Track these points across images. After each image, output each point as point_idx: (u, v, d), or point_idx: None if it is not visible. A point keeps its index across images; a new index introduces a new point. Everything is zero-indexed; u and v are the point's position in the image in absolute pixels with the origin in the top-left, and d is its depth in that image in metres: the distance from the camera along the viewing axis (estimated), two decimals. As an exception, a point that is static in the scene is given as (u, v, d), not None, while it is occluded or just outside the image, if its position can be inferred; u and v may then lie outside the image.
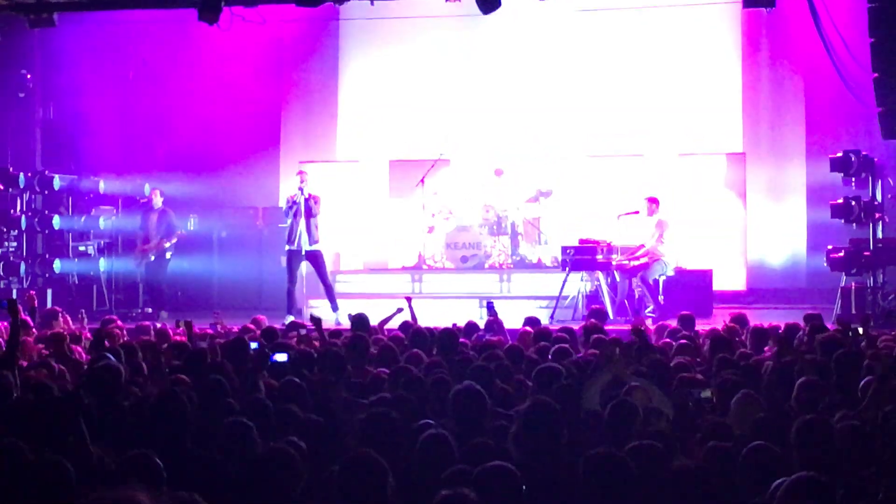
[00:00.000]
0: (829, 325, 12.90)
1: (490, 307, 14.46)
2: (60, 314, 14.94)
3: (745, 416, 7.82)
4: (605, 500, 6.05)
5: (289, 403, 8.18)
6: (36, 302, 14.86)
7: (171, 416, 7.31)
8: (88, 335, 13.65)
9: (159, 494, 2.49)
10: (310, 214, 18.36)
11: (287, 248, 18.60)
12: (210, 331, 13.61)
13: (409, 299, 14.74)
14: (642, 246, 19.08)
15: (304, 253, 18.45)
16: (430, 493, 5.63)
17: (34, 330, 13.26)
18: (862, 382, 8.73)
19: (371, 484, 5.90)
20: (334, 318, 17.84)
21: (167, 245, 20.45)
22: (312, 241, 18.45)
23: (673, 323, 14.20)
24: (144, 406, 7.91)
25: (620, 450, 6.47)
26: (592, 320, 13.95)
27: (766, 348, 11.72)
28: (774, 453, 6.53)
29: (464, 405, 7.71)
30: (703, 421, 7.91)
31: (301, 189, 18.48)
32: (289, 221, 18.53)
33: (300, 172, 19.07)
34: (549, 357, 10.59)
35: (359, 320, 12.95)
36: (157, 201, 20.72)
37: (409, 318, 14.19)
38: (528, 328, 13.37)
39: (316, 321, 12.64)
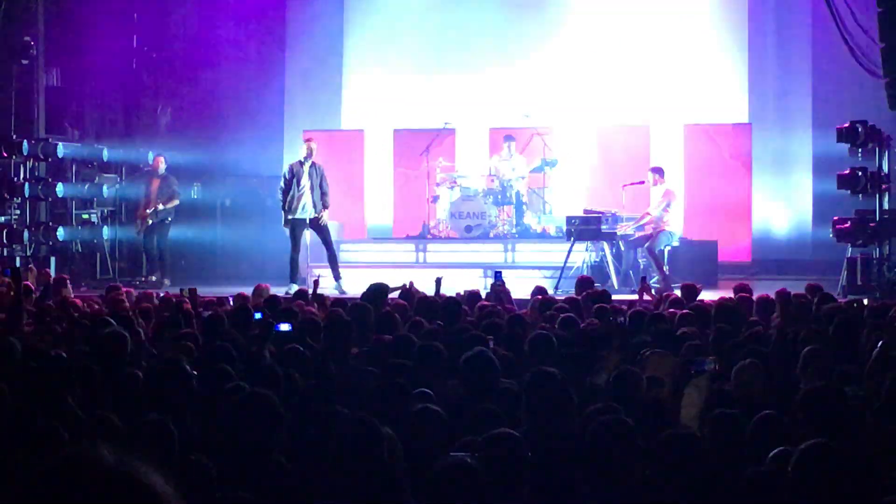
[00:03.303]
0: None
1: (498, 276, 14.36)
2: (67, 282, 14.95)
3: (745, 385, 7.81)
4: (611, 466, 6.02)
5: (293, 371, 8.16)
6: (51, 279, 14.85)
7: (174, 383, 7.30)
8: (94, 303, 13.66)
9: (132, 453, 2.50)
10: (321, 181, 18.36)
11: (290, 216, 18.50)
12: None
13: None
14: (646, 214, 19.03)
15: (308, 221, 18.39)
16: (435, 459, 5.60)
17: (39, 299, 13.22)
18: (874, 352, 8.70)
19: (369, 450, 5.87)
20: (334, 286, 17.81)
21: (162, 208, 20.38)
22: (325, 206, 18.42)
23: (677, 293, 14.17)
24: (148, 373, 7.89)
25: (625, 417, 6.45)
26: (588, 290, 13.86)
27: (773, 317, 11.69)
28: (780, 422, 6.51)
29: (473, 371, 7.69)
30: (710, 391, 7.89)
31: (308, 156, 18.44)
32: (292, 190, 18.44)
33: (307, 140, 18.99)
34: (556, 327, 10.56)
35: (375, 290, 12.78)
36: (161, 167, 20.70)
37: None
38: (538, 297, 13.31)
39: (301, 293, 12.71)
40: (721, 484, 6.03)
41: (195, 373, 7.70)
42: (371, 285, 13.00)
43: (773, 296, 12.74)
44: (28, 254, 20.29)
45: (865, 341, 9.55)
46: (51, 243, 20.73)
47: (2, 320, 10.78)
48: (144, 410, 6.82)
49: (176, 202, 20.48)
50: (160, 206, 20.41)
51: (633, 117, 22.51)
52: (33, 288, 14.05)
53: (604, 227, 18.69)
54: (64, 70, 22.63)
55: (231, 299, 13.93)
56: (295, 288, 16.46)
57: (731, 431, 6.54)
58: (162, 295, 14.33)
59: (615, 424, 6.13)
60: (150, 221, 20.44)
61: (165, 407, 6.90)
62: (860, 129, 18.36)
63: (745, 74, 22.57)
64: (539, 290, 14.18)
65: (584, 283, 14.75)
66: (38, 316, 11.72)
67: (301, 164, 18.42)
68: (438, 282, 13.98)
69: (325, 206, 18.43)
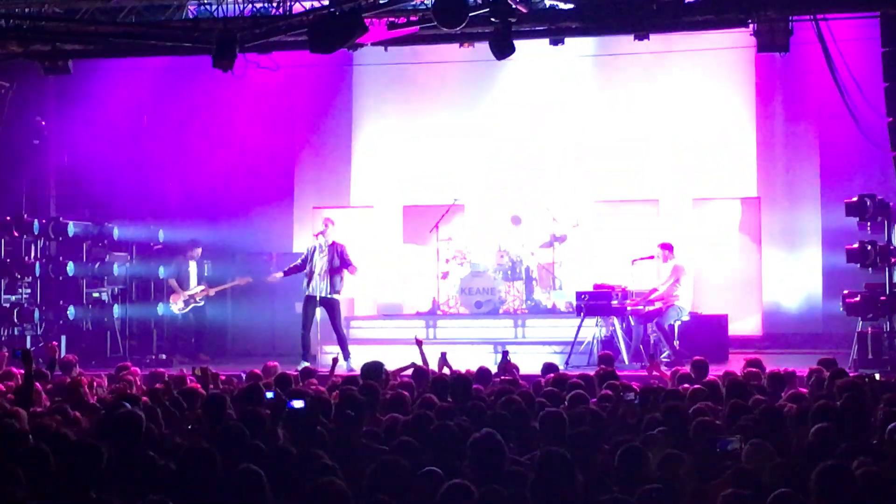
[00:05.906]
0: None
1: (505, 355, 14.41)
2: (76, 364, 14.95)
3: (756, 464, 7.77)
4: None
5: (309, 450, 8.15)
6: (57, 353, 14.84)
7: (201, 467, 7.30)
8: (104, 382, 13.66)
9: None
10: (344, 263, 18.45)
11: (305, 293, 18.60)
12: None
13: (419, 343, 14.62)
14: (654, 290, 19.05)
15: (318, 299, 18.41)
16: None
17: (50, 381, 13.20)
18: (889, 427, 8.65)
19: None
20: (345, 366, 17.79)
21: (212, 292, 21.48)
22: (334, 290, 18.48)
23: (687, 368, 14.14)
24: (174, 456, 7.86)
25: (631, 496, 6.44)
26: (603, 366, 13.92)
27: (783, 393, 11.67)
28: (796, 500, 6.47)
29: (482, 453, 7.66)
30: (724, 468, 7.85)
31: (322, 233, 18.57)
32: (308, 266, 18.57)
33: (326, 219, 19.09)
34: (566, 403, 10.53)
35: (370, 369, 12.82)
36: (196, 254, 21.58)
37: (420, 362, 14.15)
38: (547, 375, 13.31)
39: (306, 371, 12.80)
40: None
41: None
42: (363, 365, 13.06)
43: (783, 371, 12.76)
44: (39, 333, 20.31)
45: (878, 416, 9.52)
46: (61, 322, 20.76)
47: (12, 402, 10.75)
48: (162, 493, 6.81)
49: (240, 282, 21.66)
50: (211, 292, 21.47)
51: (642, 192, 22.58)
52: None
53: (614, 302, 18.71)
54: (75, 150, 22.74)
55: (244, 375, 14.00)
56: (305, 365, 16.46)
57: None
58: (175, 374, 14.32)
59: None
60: (202, 302, 21.49)
61: (189, 490, 6.90)
62: (868, 203, 18.36)
63: (753, 149, 22.60)
64: (549, 367, 14.20)
65: (603, 359, 14.82)
66: (49, 396, 11.73)
67: (319, 241, 18.59)
68: (443, 357, 14.03)
69: (336, 290, 18.51)
